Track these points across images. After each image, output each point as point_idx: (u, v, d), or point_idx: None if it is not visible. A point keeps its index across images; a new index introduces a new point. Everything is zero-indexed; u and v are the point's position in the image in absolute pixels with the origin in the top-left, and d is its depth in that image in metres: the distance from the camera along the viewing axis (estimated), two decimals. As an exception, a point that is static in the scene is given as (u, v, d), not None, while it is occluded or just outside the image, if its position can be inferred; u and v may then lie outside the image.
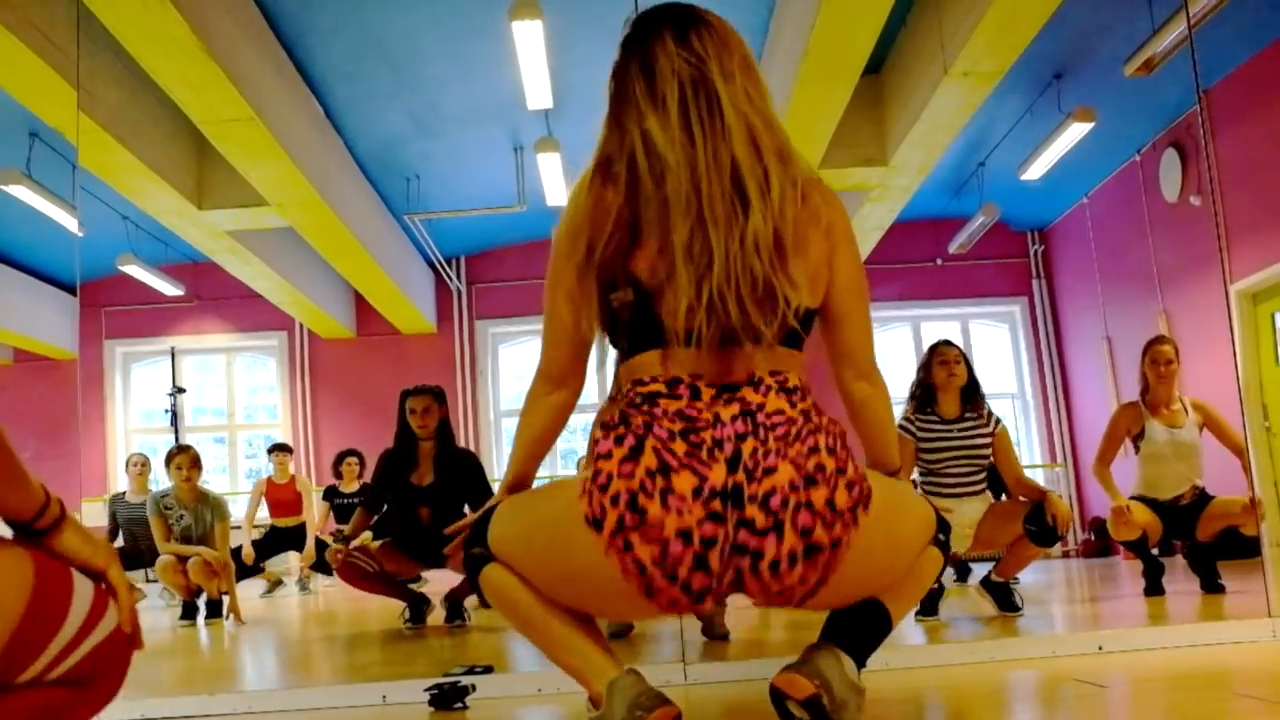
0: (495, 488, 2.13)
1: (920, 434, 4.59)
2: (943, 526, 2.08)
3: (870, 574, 1.90)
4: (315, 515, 7.80)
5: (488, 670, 3.03)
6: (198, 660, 4.74)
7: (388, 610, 5.52)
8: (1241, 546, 4.81)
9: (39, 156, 7.10)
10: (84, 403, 9.26)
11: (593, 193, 1.90)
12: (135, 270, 9.10)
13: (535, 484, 2.16)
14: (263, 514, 7.87)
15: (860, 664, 1.94)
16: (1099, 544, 8.45)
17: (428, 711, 2.77)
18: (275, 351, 10.56)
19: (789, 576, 1.78)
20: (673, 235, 1.80)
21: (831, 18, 5.53)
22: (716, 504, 1.74)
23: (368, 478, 7.71)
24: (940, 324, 9.61)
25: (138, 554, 6.65)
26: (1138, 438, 5.13)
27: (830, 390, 2.05)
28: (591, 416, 1.94)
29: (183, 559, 6.03)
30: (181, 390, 9.87)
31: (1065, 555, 8.64)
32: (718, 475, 1.75)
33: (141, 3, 4.93)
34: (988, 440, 4.59)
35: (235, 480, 10.53)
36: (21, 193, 7.18)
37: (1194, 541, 5.00)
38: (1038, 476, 8.86)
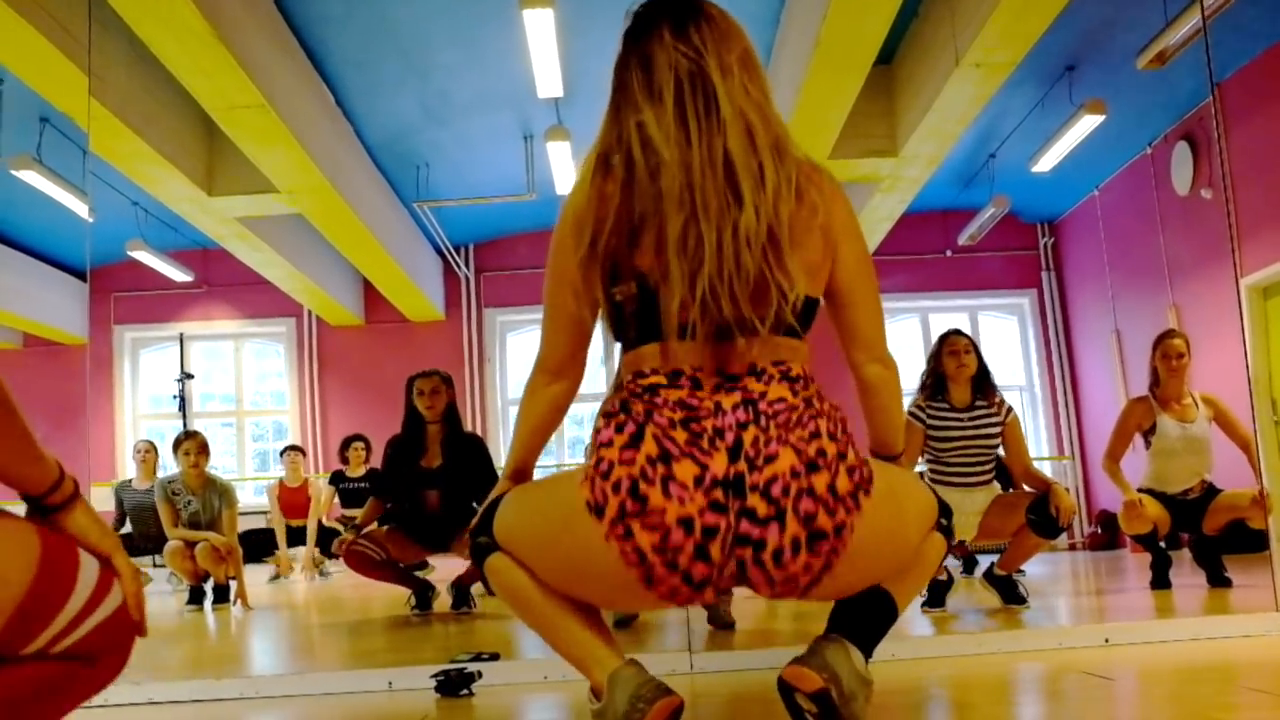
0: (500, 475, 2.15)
1: (930, 421, 4.59)
2: (944, 511, 2.08)
3: (874, 560, 1.89)
4: (321, 517, 7.84)
5: (494, 657, 3.04)
6: (205, 645, 4.76)
7: (394, 596, 5.53)
8: (1248, 540, 4.81)
9: (50, 142, 7.11)
10: (93, 388, 9.29)
11: (594, 186, 1.90)
12: (145, 256, 9.12)
13: (541, 473, 2.16)
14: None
15: (868, 654, 1.94)
16: (1105, 537, 8.46)
17: (434, 698, 2.78)
18: (284, 338, 10.59)
19: (793, 565, 1.77)
20: (666, 230, 1.80)
21: (843, 8, 5.52)
22: (718, 493, 1.74)
23: (374, 463, 7.74)
24: (949, 315, 9.61)
25: (144, 540, 6.67)
26: (1149, 432, 5.12)
27: (835, 377, 2.04)
28: (597, 405, 1.94)
29: (190, 544, 6.05)
30: (190, 376, 9.89)
31: (1071, 548, 8.65)
32: (719, 464, 1.75)
33: (153, -12, 4.95)
34: (998, 430, 4.58)
35: (243, 466, 10.56)
36: (33, 178, 7.19)
37: (1200, 535, 4.99)
38: (1045, 469, 8.86)
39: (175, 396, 9.54)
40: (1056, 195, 9.60)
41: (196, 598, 6.14)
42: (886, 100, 7.41)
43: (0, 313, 9.31)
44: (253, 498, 9.34)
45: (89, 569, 1.33)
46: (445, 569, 5.75)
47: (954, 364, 4.60)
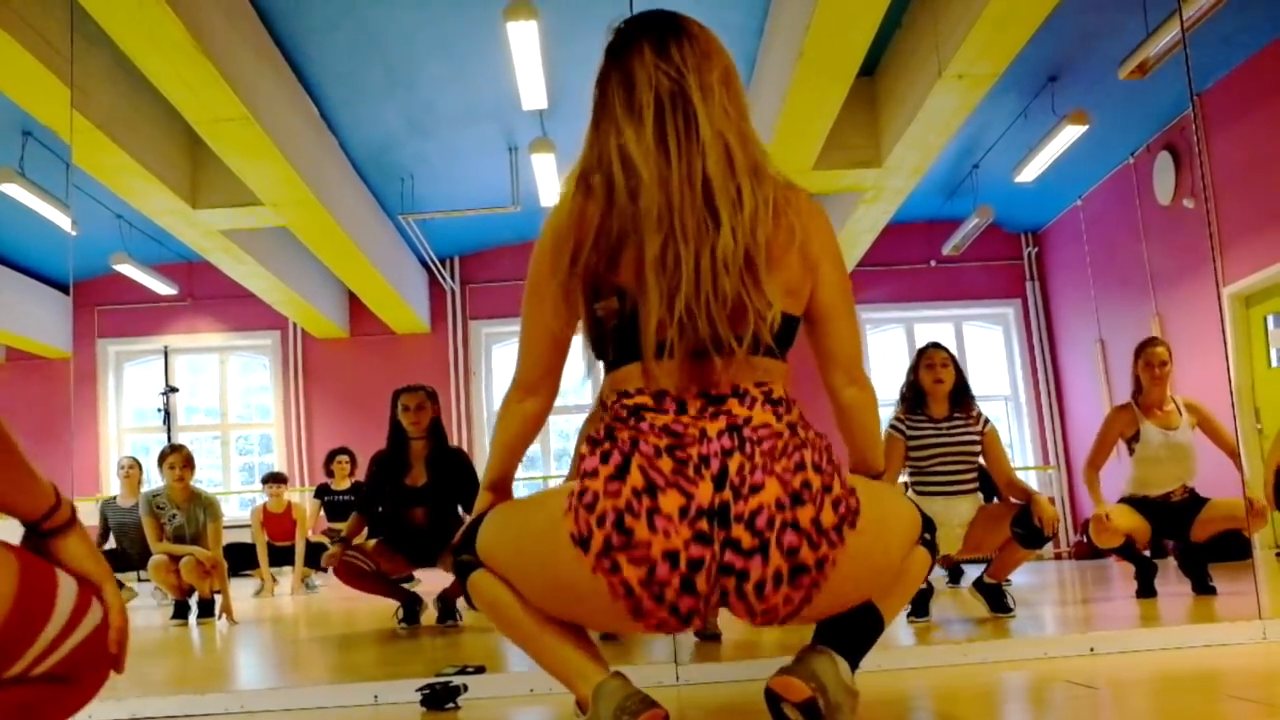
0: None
1: (910, 432, 4.60)
2: (928, 526, 2.09)
3: (857, 586, 1.90)
4: (306, 536, 7.83)
5: (480, 670, 3.03)
6: (189, 659, 4.73)
7: (380, 610, 5.52)
8: (1233, 548, 4.81)
9: (32, 155, 7.09)
10: (76, 402, 9.25)
11: (574, 205, 1.90)
12: (129, 269, 9.09)
13: (526, 486, 2.16)
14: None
15: (854, 665, 1.95)
16: (1091, 546, 8.46)
17: (419, 711, 2.77)
18: (269, 351, 10.56)
19: (773, 597, 1.78)
20: (645, 249, 1.80)
21: (827, 19, 5.54)
22: (703, 524, 1.74)
23: (359, 476, 7.72)
24: (934, 325, 9.63)
25: (129, 556, 6.64)
26: (1132, 440, 5.12)
27: (815, 398, 2.05)
28: (581, 418, 1.94)
29: (175, 558, 6.03)
30: (174, 389, 9.86)
31: (1057, 557, 8.66)
32: (704, 493, 1.75)
33: (137, 1, 4.93)
34: (976, 438, 4.59)
35: (228, 480, 10.53)
36: (15, 191, 7.17)
37: (1187, 542, 4.99)
38: (1030, 478, 8.89)
39: (160, 410, 9.52)
40: (1040, 205, 9.64)
41: (181, 612, 6.12)
42: (870, 111, 7.43)
43: (-17, 327, 9.27)
44: (238, 511, 9.32)
45: (67, 589, 1.31)
46: (430, 583, 5.73)
47: (931, 378, 4.62)
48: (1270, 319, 7.39)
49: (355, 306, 10.22)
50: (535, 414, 2.04)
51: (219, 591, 6.06)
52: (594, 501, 1.77)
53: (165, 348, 10.01)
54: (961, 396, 4.64)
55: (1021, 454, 9.66)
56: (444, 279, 10.34)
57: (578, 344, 1.99)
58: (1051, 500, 4.38)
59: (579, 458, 1.86)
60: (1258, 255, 7.20)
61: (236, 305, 9.91)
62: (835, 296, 1.98)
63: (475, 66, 7.21)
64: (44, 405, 8.32)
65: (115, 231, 8.52)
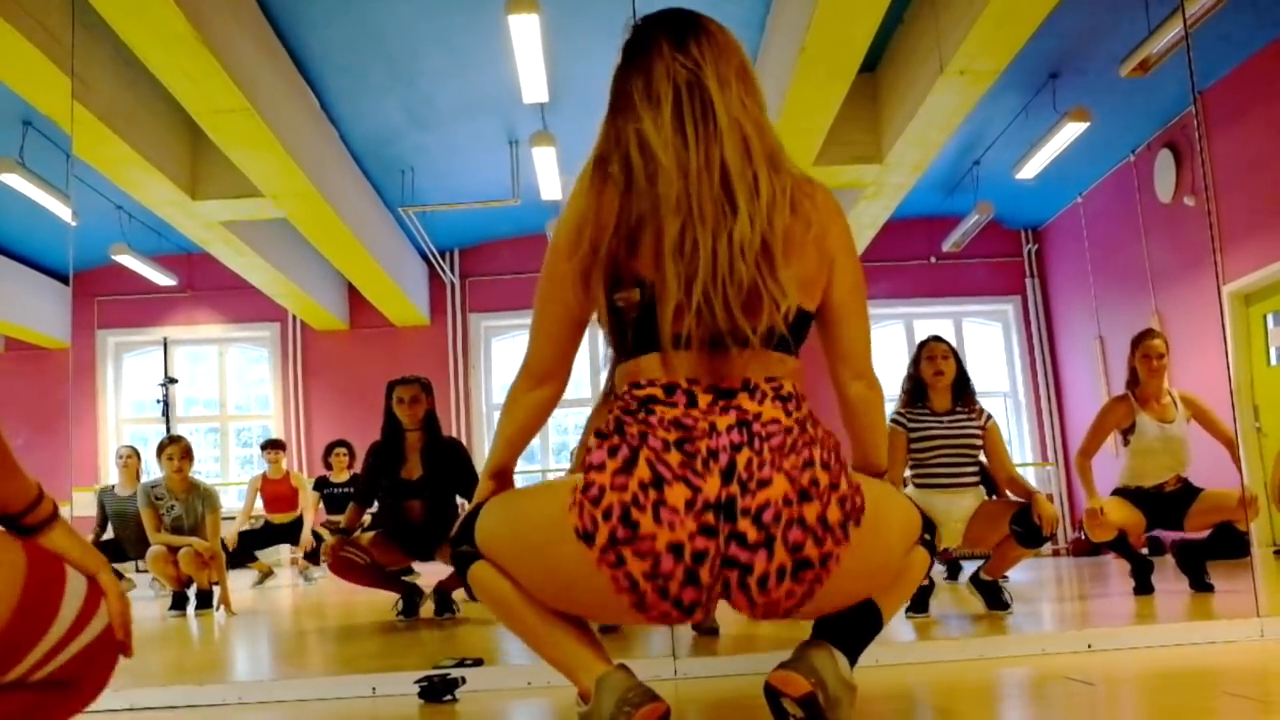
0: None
1: (911, 426, 4.61)
2: (928, 526, 2.09)
3: (858, 584, 1.91)
4: (311, 509, 7.82)
5: (478, 663, 3.03)
6: (187, 651, 4.73)
7: (378, 602, 5.52)
8: (1231, 546, 4.82)
9: (33, 145, 7.08)
10: (75, 392, 9.24)
11: (593, 191, 1.90)
12: (128, 260, 9.08)
13: (526, 481, 2.16)
14: (258, 508, 7.88)
15: (852, 661, 1.95)
16: (1089, 542, 8.47)
17: (417, 704, 2.77)
18: (268, 343, 10.55)
19: (775, 591, 1.79)
20: (663, 234, 1.80)
21: (828, 15, 5.53)
22: (709, 516, 1.74)
23: (357, 468, 7.72)
24: (933, 322, 9.62)
25: (127, 546, 6.64)
26: (1127, 431, 5.13)
27: (824, 394, 2.05)
28: (583, 412, 1.94)
29: (173, 549, 6.03)
30: (174, 380, 9.84)
31: (1055, 554, 8.66)
32: (711, 487, 1.75)
33: (137, -8, 4.93)
34: (978, 432, 4.60)
35: (227, 471, 10.52)
36: (15, 181, 7.16)
37: (1183, 540, 5.00)
38: (1029, 475, 8.88)
39: (159, 401, 9.51)
40: (1040, 202, 9.64)
41: (179, 603, 6.12)
42: (871, 107, 7.43)
43: (-18, 317, 9.26)
44: (236, 503, 9.30)
45: (75, 591, 1.29)
46: (428, 575, 5.73)
47: (931, 371, 4.63)
48: (1270, 317, 7.39)
49: (355, 299, 10.21)
50: (544, 403, 2.04)
51: (217, 582, 6.06)
52: (599, 496, 1.77)
53: (164, 339, 9.99)
54: (963, 389, 4.65)
55: (1020, 450, 9.67)
56: (444, 272, 10.33)
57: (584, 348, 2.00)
58: (1051, 498, 4.38)
59: (585, 450, 1.86)
60: (1258, 253, 7.20)
61: (236, 297, 9.90)
62: (849, 294, 1.98)
63: (476, 59, 7.20)
64: (43, 396, 8.33)
65: (115, 222, 8.51)
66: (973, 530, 4.60)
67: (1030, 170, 8.13)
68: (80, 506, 7.40)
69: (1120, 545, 5.02)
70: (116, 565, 6.45)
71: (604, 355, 2.04)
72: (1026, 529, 4.29)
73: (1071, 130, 7.50)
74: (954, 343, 4.77)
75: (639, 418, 1.83)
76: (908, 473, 4.71)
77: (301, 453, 10.04)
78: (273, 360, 10.52)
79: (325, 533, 7.11)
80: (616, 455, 1.80)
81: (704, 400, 1.83)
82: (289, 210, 7.94)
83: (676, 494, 1.74)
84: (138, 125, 6.66)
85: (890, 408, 4.74)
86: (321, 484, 8.07)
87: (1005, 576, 4.70)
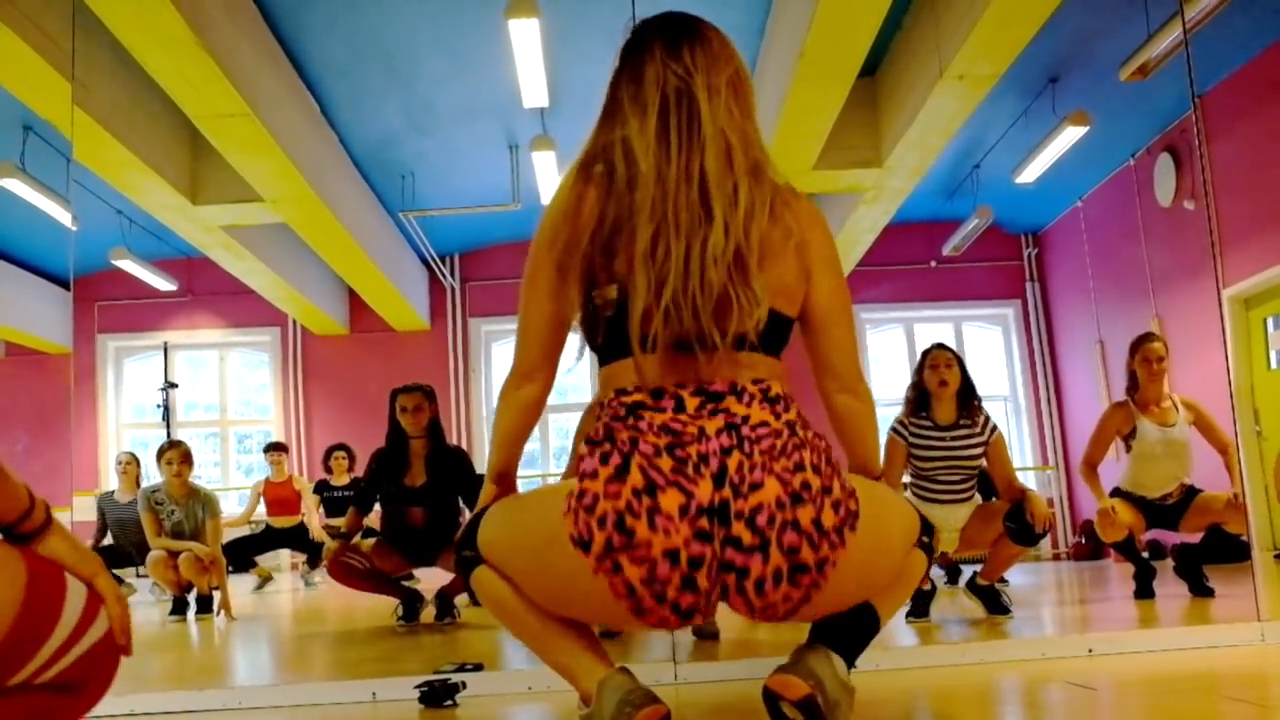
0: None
1: (913, 439, 4.59)
2: (925, 529, 2.09)
3: (855, 588, 1.91)
4: (314, 514, 7.82)
5: (478, 668, 3.03)
6: (188, 655, 4.73)
7: (378, 607, 5.52)
8: (1230, 550, 4.81)
9: (33, 150, 7.09)
10: (76, 397, 9.24)
11: (574, 192, 1.92)
12: (128, 265, 9.08)
13: (527, 485, 2.16)
14: (261, 512, 7.88)
15: (850, 664, 1.96)
16: (1089, 547, 8.47)
17: (418, 709, 2.77)
18: (268, 347, 10.55)
19: (773, 594, 1.79)
20: (636, 239, 1.81)
21: (828, 19, 5.53)
22: (704, 522, 1.75)
23: (357, 472, 7.72)
24: (933, 326, 9.63)
25: (125, 552, 6.63)
26: (1129, 436, 5.12)
27: (814, 398, 2.05)
28: (576, 415, 1.94)
29: (173, 554, 6.03)
30: (174, 385, 9.85)
31: (1055, 558, 8.66)
32: (704, 492, 1.76)
33: (138, -3, 4.93)
34: (980, 450, 4.57)
35: (227, 476, 10.51)
36: (15, 186, 7.16)
37: (1183, 545, 5.00)
38: (1029, 479, 8.89)
39: (159, 406, 9.51)
40: (1040, 206, 9.64)
41: (179, 608, 6.11)
42: (870, 111, 7.43)
43: (-18, 322, 9.26)
44: (236, 508, 9.29)
45: (75, 598, 1.30)
46: (430, 580, 5.73)
47: (936, 380, 4.58)
48: (1270, 321, 7.39)
49: (355, 303, 10.21)
50: (532, 401, 2.04)
51: (217, 587, 6.06)
52: (594, 503, 1.78)
53: (165, 343, 9.99)
54: (968, 399, 4.60)
55: (1020, 455, 9.66)
56: (444, 276, 10.33)
57: (573, 341, 2.01)
58: (1051, 502, 4.38)
59: (578, 458, 1.87)
60: (1258, 257, 7.20)
61: (236, 301, 9.90)
62: (830, 303, 1.99)
63: (476, 64, 7.20)
64: (43, 401, 8.33)
65: (115, 227, 8.51)
66: (968, 532, 4.60)
67: (1030, 174, 8.13)
68: (80, 512, 7.40)
69: (1127, 547, 5.01)
70: (116, 570, 6.45)
71: (592, 359, 2.04)
72: (1020, 525, 4.29)
73: (1071, 134, 7.50)
74: (955, 347, 4.75)
75: (628, 423, 1.83)
76: (906, 478, 4.70)
77: (301, 457, 10.03)
78: (273, 365, 10.51)
79: (326, 537, 7.11)
80: (608, 462, 1.80)
81: (692, 404, 1.83)
82: (289, 215, 7.94)
83: (670, 500, 1.75)
84: (138, 130, 6.66)
85: (890, 413, 4.74)
86: (321, 487, 8.07)
87: (1004, 580, 4.70)
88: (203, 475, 9.69)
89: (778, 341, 1.93)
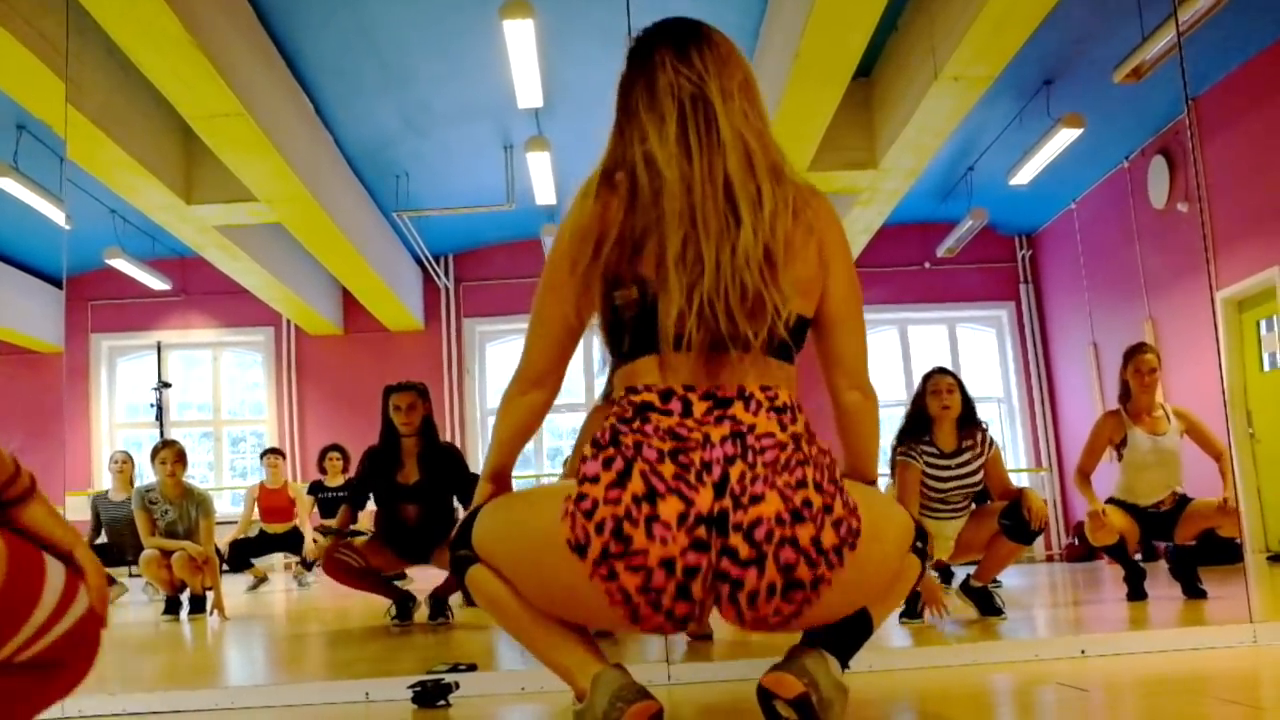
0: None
1: (926, 465, 4.56)
2: (920, 534, 2.09)
3: (850, 600, 1.92)
4: (307, 520, 7.83)
5: (471, 668, 3.03)
6: (181, 655, 4.72)
7: (372, 607, 5.51)
8: (1223, 552, 4.82)
9: (27, 149, 7.08)
10: (69, 396, 9.25)
11: (598, 202, 1.91)
12: (122, 264, 9.08)
13: (520, 485, 2.16)
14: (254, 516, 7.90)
15: (844, 665, 1.96)
16: (1082, 548, 8.48)
17: (411, 709, 2.77)
18: (262, 347, 10.56)
19: (764, 608, 1.80)
20: (666, 246, 1.82)
21: (823, 20, 5.54)
22: (701, 530, 1.75)
23: (352, 472, 7.72)
24: (927, 327, 9.65)
25: (121, 551, 6.62)
26: (1120, 445, 5.13)
27: (819, 400, 2.05)
28: (577, 417, 1.94)
29: (167, 554, 6.02)
30: (167, 385, 9.85)
31: (1049, 560, 8.68)
32: (704, 500, 1.76)
33: (132, -4, 4.93)
34: (980, 469, 4.58)
35: (220, 476, 10.52)
36: (9, 185, 7.16)
37: (1177, 547, 5.01)
38: (1022, 480, 8.90)
39: (152, 405, 9.51)
40: (1034, 208, 9.66)
41: (173, 608, 6.10)
42: (865, 113, 7.44)
43: (-24, 321, 9.26)
44: (230, 507, 9.30)
45: (55, 576, 1.30)
46: (423, 580, 5.73)
47: (938, 405, 4.56)
48: (1263, 323, 7.41)
49: (349, 303, 10.21)
50: (537, 407, 2.04)
51: (211, 587, 6.04)
52: (593, 508, 1.78)
53: (158, 343, 10.00)
54: (969, 423, 4.61)
55: (1014, 457, 9.68)
56: (438, 276, 10.34)
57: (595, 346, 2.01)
58: (1045, 503, 4.38)
59: (580, 459, 1.86)
60: (1251, 260, 7.22)
61: (230, 301, 9.90)
62: (845, 301, 2.00)
63: (471, 64, 7.21)
64: (37, 400, 8.33)
65: (109, 226, 8.51)
66: (964, 535, 4.60)
67: (1024, 176, 8.15)
68: (73, 511, 7.40)
69: (1118, 551, 5.02)
70: (110, 570, 6.43)
71: (600, 360, 2.04)
72: (1015, 521, 4.29)
73: (1065, 136, 7.52)
74: (948, 348, 4.75)
75: (634, 426, 1.83)
76: None
77: (295, 457, 10.03)
78: (267, 365, 10.52)
79: (319, 536, 7.11)
80: (611, 467, 1.80)
81: (699, 409, 1.83)
82: (283, 215, 7.94)
83: (669, 508, 1.75)
84: (132, 130, 6.66)
85: (888, 415, 4.73)
86: (316, 488, 8.07)
87: (997, 581, 4.70)
88: (196, 475, 9.69)
89: (797, 343, 1.94)
